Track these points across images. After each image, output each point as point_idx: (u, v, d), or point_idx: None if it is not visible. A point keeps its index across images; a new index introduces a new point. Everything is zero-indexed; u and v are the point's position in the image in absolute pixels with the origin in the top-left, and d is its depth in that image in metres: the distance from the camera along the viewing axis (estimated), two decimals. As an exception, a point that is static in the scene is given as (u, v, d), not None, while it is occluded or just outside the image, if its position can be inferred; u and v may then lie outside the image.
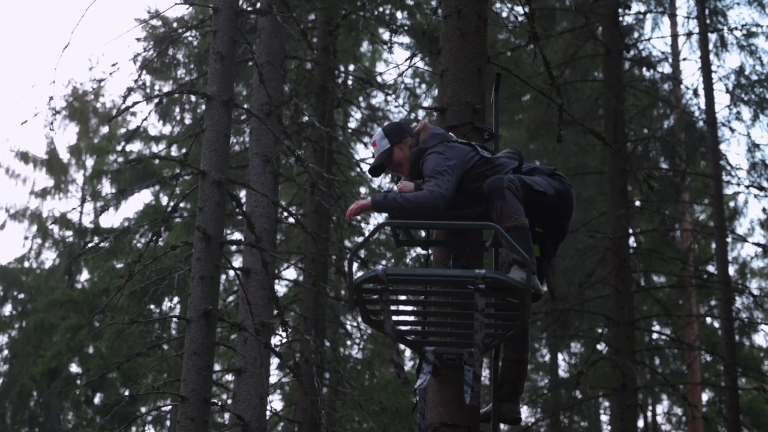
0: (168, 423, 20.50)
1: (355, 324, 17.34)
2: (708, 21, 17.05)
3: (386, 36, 17.20)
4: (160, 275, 9.93)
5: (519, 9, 11.11)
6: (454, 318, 5.38)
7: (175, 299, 18.78)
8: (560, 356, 23.23)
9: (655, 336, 18.72)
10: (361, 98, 17.79)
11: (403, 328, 5.42)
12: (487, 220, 5.26)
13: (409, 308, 5.63)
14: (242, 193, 13.10)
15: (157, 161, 17.67)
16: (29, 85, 28.01)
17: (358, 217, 15.97)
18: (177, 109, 17.82)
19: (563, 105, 6.74)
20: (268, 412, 10.53)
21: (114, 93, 30.19)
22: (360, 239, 17.91)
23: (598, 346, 15.54)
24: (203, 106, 8.91)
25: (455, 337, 5.40)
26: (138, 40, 14.33)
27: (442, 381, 5.46)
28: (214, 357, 8.23)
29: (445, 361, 5.35)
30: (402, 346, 5.51)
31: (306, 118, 13.06)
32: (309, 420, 12.89)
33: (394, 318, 5.21)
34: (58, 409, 25.02)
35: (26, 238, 27.56)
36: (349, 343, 18.31)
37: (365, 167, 17.05)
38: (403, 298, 5.45)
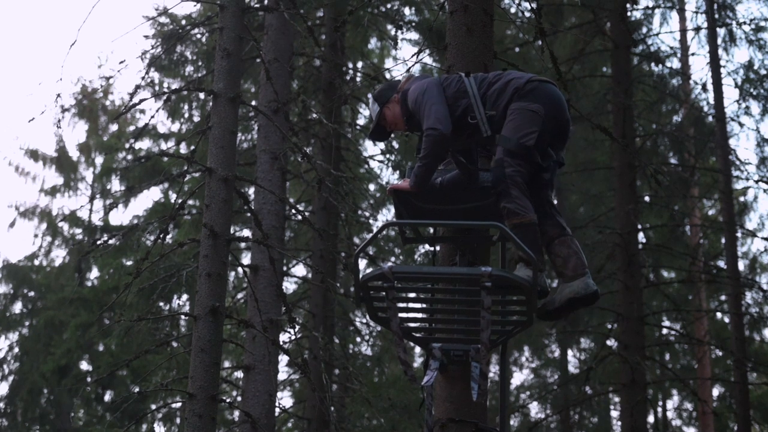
0: (178, 420, 20.54)
1: (364, 321, 17.32)
2: (716, 16, 16.99)
3: (393, 32, 17.17)
4: (169, 272, 9.93)
5: (526, 5, 11.06)
6: (460, 315, 5.36)
7: (184, 296, 18.79)
8: (570, 352, 23.18)
9: (664, 331, 18.68)
10: (369, 95, 17.75)
11: (410, 324, 5.41)
12: (495, 211, 5.24)
13: (416, 305, 5.62)
14: (250, 191, 13.09)
15: (165, 159, 17.67)
16: (37, 83, 28.01)
17: (367, 213, 15.97)
18: (185, 107, 17.83)
19: (571, 100, 6.73)
20: (276, 409, 10.51)
21: (123, 91, 30.16)
22: (368, 236, 17.89)
23: (608, 342, 15.51)
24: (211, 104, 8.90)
25: (462, 334, 5.38)
26: (146, 37, 14.37)
27: (449, 377, 5.45)
28: (221, 354, 8.22)
29: (453, 357, 5.34)
30: (411, 344, 5.48)
31: (314, 115, 13.03)
32: (318, 417, 12.89)
33: (401, 315, 5.20)
34: (69, 406, 25.08)
35: (36, 235, 27.59)
36: (358, 339, 18.31)
37: (373, 164, 17.06)
38: (411, 295, 5.44)
